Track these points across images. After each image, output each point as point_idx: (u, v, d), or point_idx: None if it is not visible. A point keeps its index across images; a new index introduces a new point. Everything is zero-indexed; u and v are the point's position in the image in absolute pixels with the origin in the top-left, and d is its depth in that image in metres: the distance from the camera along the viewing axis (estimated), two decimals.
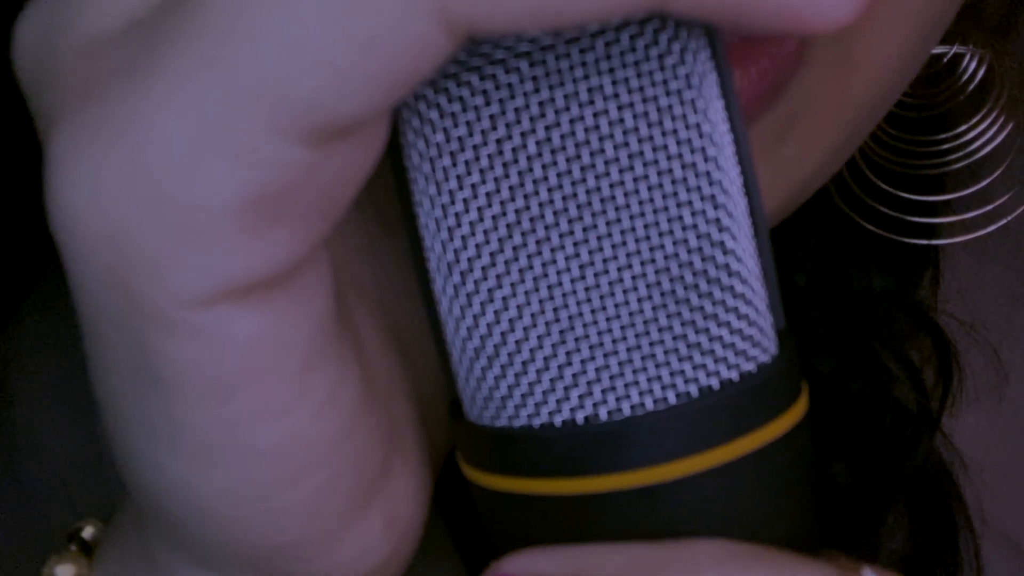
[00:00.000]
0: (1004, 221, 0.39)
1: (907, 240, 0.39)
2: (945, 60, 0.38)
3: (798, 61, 0.26)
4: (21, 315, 0.40)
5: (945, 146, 0.39)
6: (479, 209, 0.21)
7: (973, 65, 0.38)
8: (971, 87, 0.38)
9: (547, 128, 0.20)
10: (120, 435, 0.21)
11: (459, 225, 0.21)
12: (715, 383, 0.21)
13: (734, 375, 0.21)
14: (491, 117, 0.20)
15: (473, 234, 0.21)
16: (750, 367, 0.21)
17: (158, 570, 0.23)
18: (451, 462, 0.25)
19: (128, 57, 0.18)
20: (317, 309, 0.20)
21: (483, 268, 0.21)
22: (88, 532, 0.26)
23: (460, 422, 0.23)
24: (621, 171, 0.20)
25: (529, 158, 0.20)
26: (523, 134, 0.20)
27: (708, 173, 0.20)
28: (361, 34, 0.17)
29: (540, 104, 0.20)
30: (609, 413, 0.21)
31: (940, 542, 0.41)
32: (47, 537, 0.35)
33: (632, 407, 0.21)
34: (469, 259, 0.21)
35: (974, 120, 0.38)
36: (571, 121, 0.20)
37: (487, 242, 0.21)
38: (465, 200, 0.21)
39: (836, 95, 0.28)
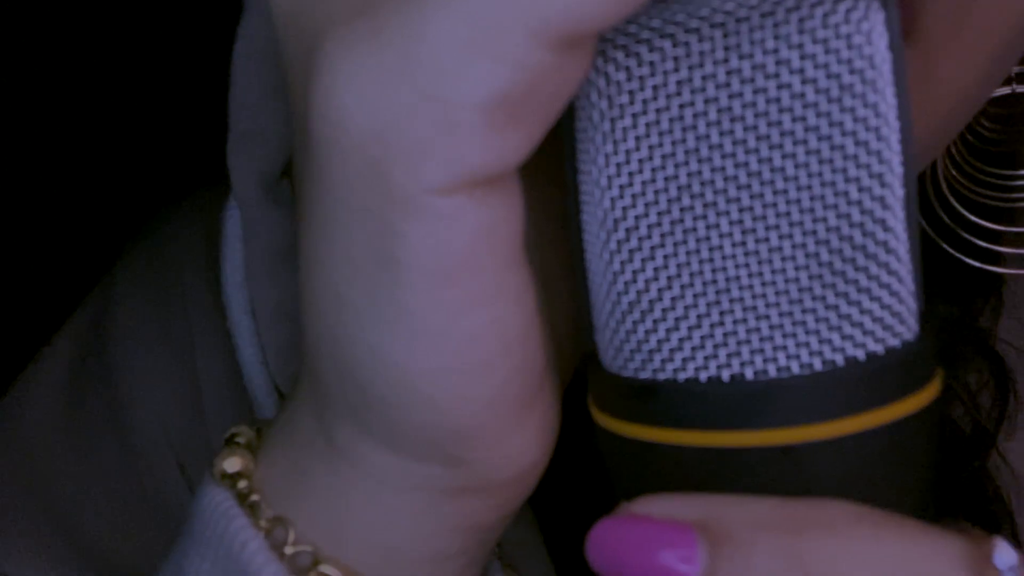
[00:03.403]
0: None
1: (971, 262, 0.40)
2: None
3: None
4: (125, 259, 0.40)
5: (1015, 182, 0.39)
6: (653, 170, 0.21)
7: None
8: None
9: (730, 97, 0.20)
10: (338, 320, 0.22)
11: (631, 184, 0.21)
12: (861, 354, 0.21)
13: (879, 349, 0.21)
14: (678, 83, 0.21)
15: (644, 193, 0.21)
16: (895, 343, 0.21)
17: (340, 453, 0.24)
18: None
19: None
20: (518, 214, 0.22)
21: (649, 226, 0.21)
22: (243, 438, 0.26)
23: (599, 372, 0.23)
24: (795, 143, 0.21)
25: (708, 124, 0.21)
26: (707, 101, 0.21)
27: (879, 152, 0.21)
28: None
29: (728, 73, 0.20)
30: (755, 373, 0.21)
31: None
32: (150, 473, 0.35)
33: (778, 369, 0.21)
34: (637, 216, 0.21)
35: None
36: (755, 92, 0.20)
37: (656, 202, 0.21)
38: (641, 160, 0.21)
39: (919, 108, 0.28)
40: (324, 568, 0.24)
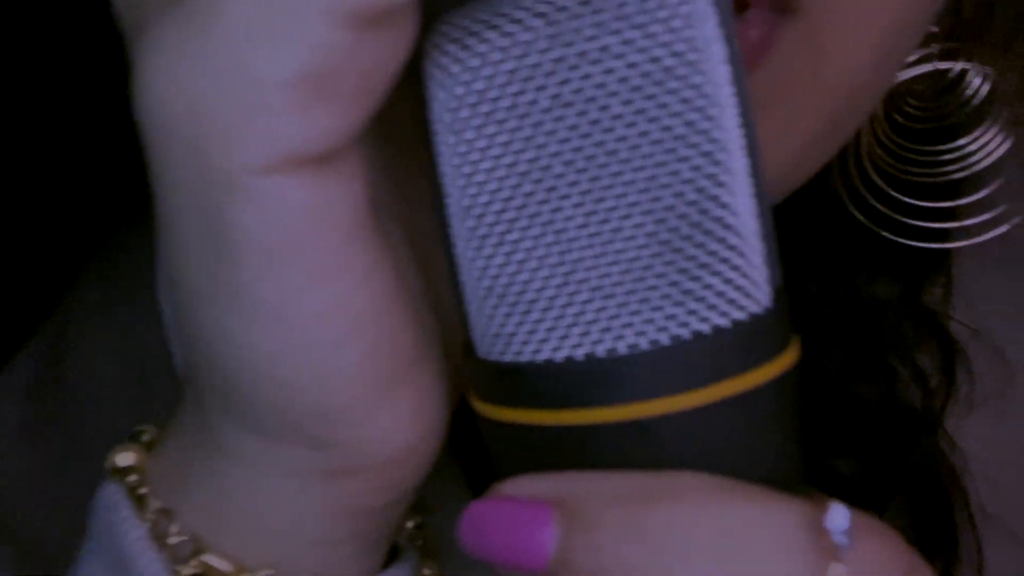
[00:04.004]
0: (1001, 229, 0.39)
1: (911, 243, 0.40)
2: (952, 75, 0.39)
3: (766, 47, 0.28)
4: (80, 284, 0.41)
5: (947, 156, 0.39)
6: (494, 158, 0.22)
7: (978, 81, 0.39)
8: (975, 102, 0.39)
9: (559, 84, 0.21)
10: (188, 306, 0.23)
11: (475, 172, 0.22)
12: (706, 328, 0.22)
13: (725, 322, 0.22)
14: (509, 73, 0.21)
15: (487, 181, 0.22)
16: (741, 316, 0.22)
17: (215, 442, 0.25)
18: (462, 408, 0.26)
19: None
20: (356, 193, 0.22)
21: (496, 212, 0.22)
22: (147, 435, 0.27)
23: (470, 358, 0.24)
24: (626, 126, 0.21)
25: (542, 112, 0.21)
26: (537, 89, 0.21)
27: (708, 131, 0.21)
28: None
29: (554, 61, 0.21)
30: (607, 351, 0.22)
31: (939, 535, 0.41)
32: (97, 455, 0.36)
33: (628, 346, 0.22)
34: (483, 204, 0.22)
35: (976, 134, 0.39)
36: (582, 78, 0.21)
37: (500, 189, 0.22)
38: (481, 149, 0.22)
39: (807, 83, 0.29)
40: (205, 557, 0.25)
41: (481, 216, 0.22)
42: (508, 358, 0.23)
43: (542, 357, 0.22)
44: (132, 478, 0.26)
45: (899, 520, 0.41)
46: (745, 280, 0.22)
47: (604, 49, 0.21)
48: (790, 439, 0.23)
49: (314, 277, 0.22)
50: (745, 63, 0.28)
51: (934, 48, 0.39)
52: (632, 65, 0.21)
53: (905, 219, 0.40)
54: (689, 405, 0.22)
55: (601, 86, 0.21)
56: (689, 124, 0.21)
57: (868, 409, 0.42)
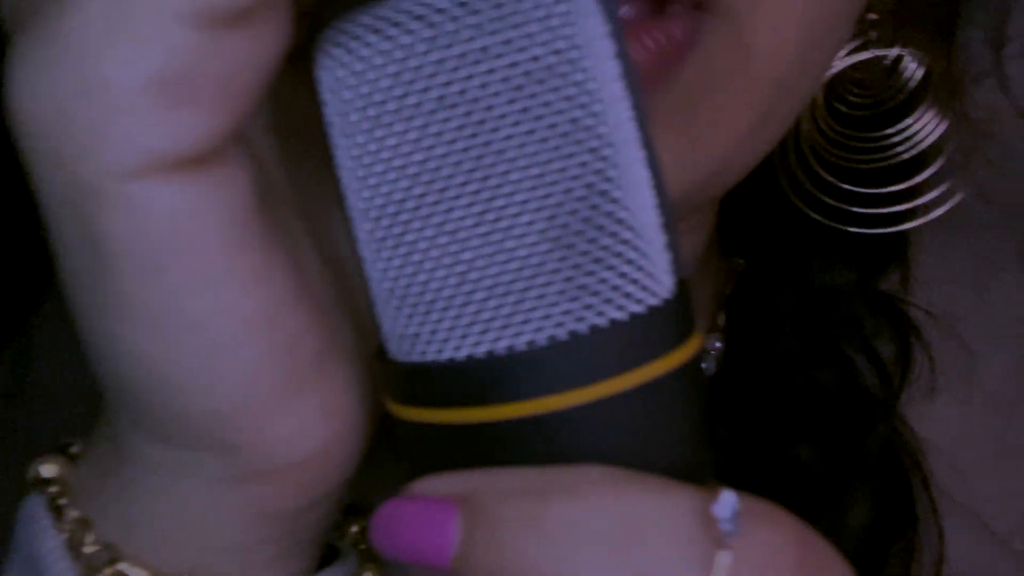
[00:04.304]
0: (949, 205, 0.39)
1: (858, 231, 0.40)
2: (888, 62, 0.39)
3: (690, 43, 0.28)
4: (49, 294, 0.42)
5: (889, 141, 0.40)
6: (384, 161, 0.22)
7: (913, 65, 0.39)
8: (911, 86, 0.39)
9: (443, 86, 0.21)
10: (82, 315, 0.23)
11: (368, 175, 0.22)
12: (603, 322, 0.22)
13: (622, 315, 0.22)
14: (392, 76, 0.21)
15: (380, 184, 0.22)
16: (638, 309, 0.22)
17: (127, 451, 0.25)
18: None
19: None
20: (235, 196, 0.22)
21: (390, 215, 0.22)
22: (75, 447, 0.27)
23: (382, 359, 0.24)
24: (512, 126, 0.21)
25: (428, 114, 0.21)
26: (421, 92, 0.21)
27: (592, 128, 0.21)
28: None
29: (435, 64, 0.21)
30: (506, 348, 0.22)
31: (900, 519, 0.42)
32: None
33: (527, 343, 0.22)
34: (378, 206, 0.22)
35: (914, 117, 0.39)
36: (464, 80, 0.21)
37: (392, 192, 0.22)
38: (372, 153, 0.22)
39: (735, 76, 0.29)
40: (120, 566, 0.25)
41: (377, 218, 0.22)
42: (414, 358, 0.23)
43: (445, 356, 0.22)
44: (53, 489, 0.26)
45: (862, 505, 0.41)
46: (640, 273, 0.22)
47: (484, 50, 0.21)
48: (693, 428, 0.23)
49: (193, 283, 0.21)
50: (671, 59, 0.29)
51: (873, 35, 0.39)
52: (513, 65, 0.21)
53: (851, 207, 0.40)
54: (589, 399, 0.22)
55: (484, 86, 0.21)
56: (574, 121, 0.21)
57: (826, 395, 0.42)
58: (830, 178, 0.40)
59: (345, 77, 0.22)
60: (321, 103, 0.23)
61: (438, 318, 0.22)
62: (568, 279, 0.22)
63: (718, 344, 0.44)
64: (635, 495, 0.21)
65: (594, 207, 0.22)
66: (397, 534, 0.22)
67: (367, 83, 0.22)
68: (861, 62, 0.39)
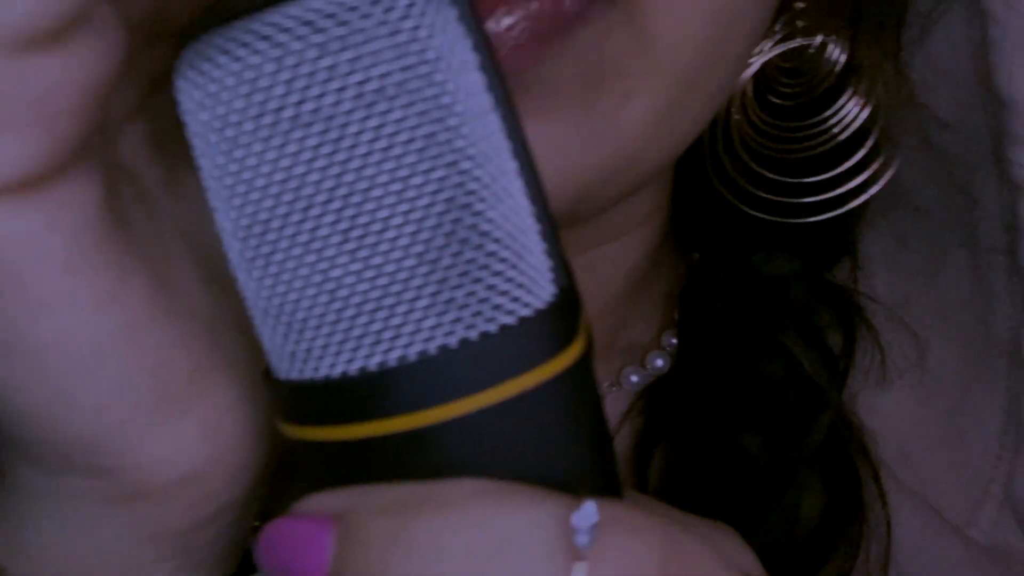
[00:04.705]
0: (881, 183, 0.39)
1: (778, 219, 0.40)
2: (812, 50, 0.39)
3: (581, 16, 0.28)
4: None
5: (819, 128, 0.39)
6: (247, 181, 0.22)
7: (836, 51, 0.39)
8: (836, 71, 0.38)
9: (296, 105, 0.21)
10: None
11: (233, 196, 0.22)
12: (473, 335, 0.22)
13: (491, 328, 0.22)
14: (244, 97, 0.21)
15: (245, 204, 0.22)
16: (510, 320, 0.22)
17: (9, 477, 0.25)
18: None
19: None
20: (78, 217, 0.21)
21: (258, 235, 0.22)
22: None
23: (267, 377, 0.24)
24: (369, 143, 0.21)
25: (284, 133, 0.21)
26: (275, 111, 0.21)
27: (449, 141, 0.21)
28: None
29: (286, 83, 0.21)
30: (378, 364, 0.22)
31: (847, 509, 0.41)
32: None
33: (398, 359, 0.22)
34: (245, 226, 0.22)
35: (840, 103, 0.39)
36: (316, 98, 0.21)
37: (258, 211, 0.22)
38: (234, 173, 0.22)
39: (635, 61, 0.29)
40: None
41: (245, 238, 0.22)
42: (293, 376, 0.23)
43: (321, 374, 0.22)
44: None
45: (811, 496, 0.41)
46: (510, 284, 0.22)
47: (331, 68, 0.21)
48: (575, 436, 0.23)
49: (34, 309, 0.21)
50: (558, 27, 0.28)
51: (799, 24, 0.39)
52: (362, 82, 0.21)
53: (785, 199, 0.40)
54: (461, 412, 0.22)
55: (336, 104, 0.21)
56: (429, 136, 0.21)
57: (772, 386, 0.42)
58: (760, 169, 0.40)
59: (201, 98, 0.22)
60: (183, 122, 0.22)
61: (311, 336, 0.22)
62: (436, 293, 0.22)
63: (673, 340, 0.43)
64: (502, 509, 0.21)
65: (457, 220, 0.21)
66: (276, 552, 0.22)
67: (222, 104, 0.21)
68: (790, 51, 0.39)
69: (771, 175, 0.40)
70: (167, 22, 0.23)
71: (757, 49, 0.39)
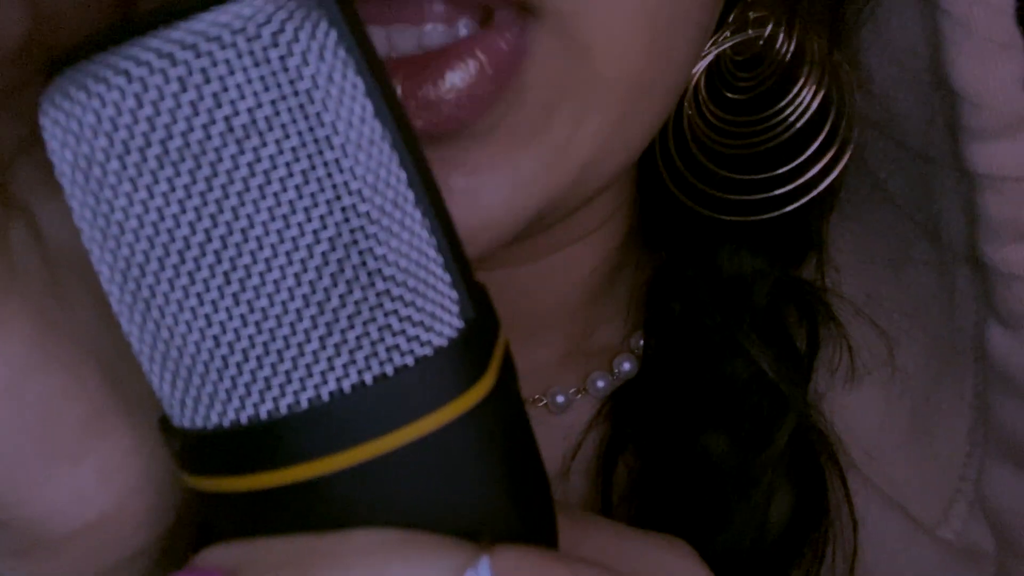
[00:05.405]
0: (836, 171, 0.38)
1: (735, 218, 0.38)
2: (762, 42, 0.37)
3: (519, 51, 0.27)
4: None
5: (773, 120, 0.38)
6: (119, 223, 0.20)
7: (786, 43, 0.37)
8: (786, 61, 0.37)
9: (162, 141, 0.20)
10: None
11: (106, 237, 0.20)
12: (367, 379, 0.20)
13: (388, 369, 0.20)
14: (106, 135, 0.20)
15: (120, 246, 0.20)
16: (406, 361, 0.21)
17: None
18: None
19: None
20: None
21: (135, 277, 0.21)
22: None
23: (161, 423, 0.23)
24: (244, 179, 0.20)
25: (153, 171, 0.20)
26: (141, 148, 0.20)
27: (330, 175, 0.20)
28: None
29: (147, 120, 0.20)
30: (269, 412, 0.21)
31: (814, 509, 0.40)
32: None
33: (288, 406, 0.20)
34: (121, 269, 0.21)
35: (792, 94, 0.37)
36: (183, 134, 0.19)
37: (133, 253, 0.20)
38: (105, 215, 0.20)
39: (584, 77, 0.28)
40: None
41: (123, 282, 0.21)
42: (185, 424, 0.22)
43: (212, 423, 0.21)
44: None
45: (779, 498, 0.40)
46: (406, 323, 0.20)
47: (195, 103, 0.19)
48: (486, 476, 0.21)
49: None
50: (504, 74, 0.27)
51: (750, 16, 0.38)
52: (230, 117, 0.19)
53: (742, 196, 0.39)
54: (354, 461, 0.20)
55: (206, 140, 0.19)
56: (307, 172, 0.20)
57: (736, 386, 0.41)
58: (714, 167, 0.38)
59: (64, 137, 0.20)
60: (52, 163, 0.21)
61: (199, 383, 0.21)
62: (326, 336, 0.20)
63: (641, 342, 0.42)
64: (395, 561, 0.20)
65: (344, 259, 0.20)
66: None
67: (85, 142, 0.20)
68: (742, 43, 0.38)
69: (726, 173, 0.38)
70: (46, 54, 0.22)
71: (710, 42, 0.37)
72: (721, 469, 0.40)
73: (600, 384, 0.42)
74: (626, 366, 0.42)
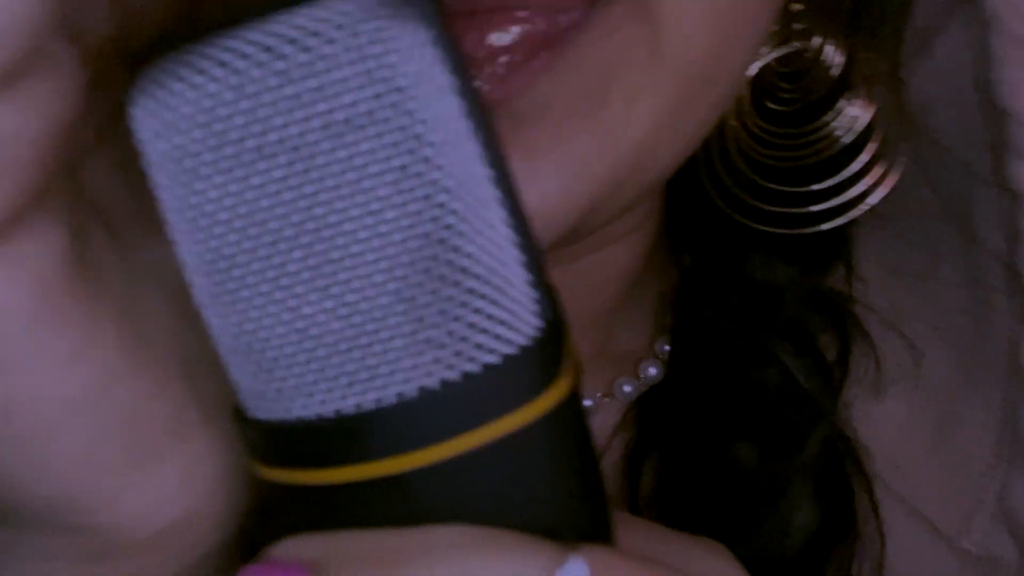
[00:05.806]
0: (884, 191, 0.38)
1: (771, 230, 0.39)
2: (809, 53, 0.37)
3: (575, 29, 0.26)
4: None
5: (817, 135, 0.38)
6: (209, 215, 0.20)
7: (836, 56, 0.37)
8: (833, 74, 0.37)
9: (259, 135, 0.19)
10: None
11: (195, 229, 0.20)
12: (455, 376, 0.20)
13: (473, 367, 0.20)
14: (203, 126, 0.20)
15: (208, 238, 0.20)
16: (493, 359, 0.20)
17: None
18: None
19: None
20: (40, 272, 0.20)
21: (223, 270, 0.20)
22: None
23: (240, 417, 0.23)
24: (337, 175, 0.20)
25: (247, 165, 0.20)
26: (237, 141, 0.20)
27: (422, 174, 0.20)
28: None
29: (246, 112, 0.19)
30: (355, 407, 0.20)
31: (841, 520, 0.40)
32: None
33: (375, 401, 0.20)
34: (209, 261, 0.20)
35: (838, 108, 0.37)
36: (280, 128, 0.19)
37: (222, 246, 0.20)
38: (194, 206, 0.20)
39: (647, 59, 0.27)
40: None
41: (210, 273, 0.21)
42: (264, 416, 0.21)
43: (293, 416, 0.21)
44: None
45: (805, 508, 0.40)
46: (491, 322, 0.20)
47: (295, 97, 0.19)
48: (562, 478, 0.22)
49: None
50: (554, 46, 0.27)
51: (797, 27, 0.38)
52: (329, 111, 0.19)
53: (783, 208, 0.39)
54: (440, 457, 0.20)
55: (303, 134, 0.19)
56: (402, 168, 0.20)
57: (766, 395, 0.41)
58: (756, 178, 0.39)
59: (157, 127, 0.20)
60: (141, 153, 0.21)
61: (283, 376, 0.21)
62: (413, 332, 0.20)
63: (666, 347, 0.42)
64: (486, 558, 0.20)
65: (433, 257, 0.20)
66: None
67: (179, 134, 0.20)
68: (786, 56, 0.38)
69: (768, 184, 0.38)
70: (127, 46, 0.22)
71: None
72: (749, 477, 0.40)
73: (626, 389, 0.42)
74: (651, 371, 0.42)
